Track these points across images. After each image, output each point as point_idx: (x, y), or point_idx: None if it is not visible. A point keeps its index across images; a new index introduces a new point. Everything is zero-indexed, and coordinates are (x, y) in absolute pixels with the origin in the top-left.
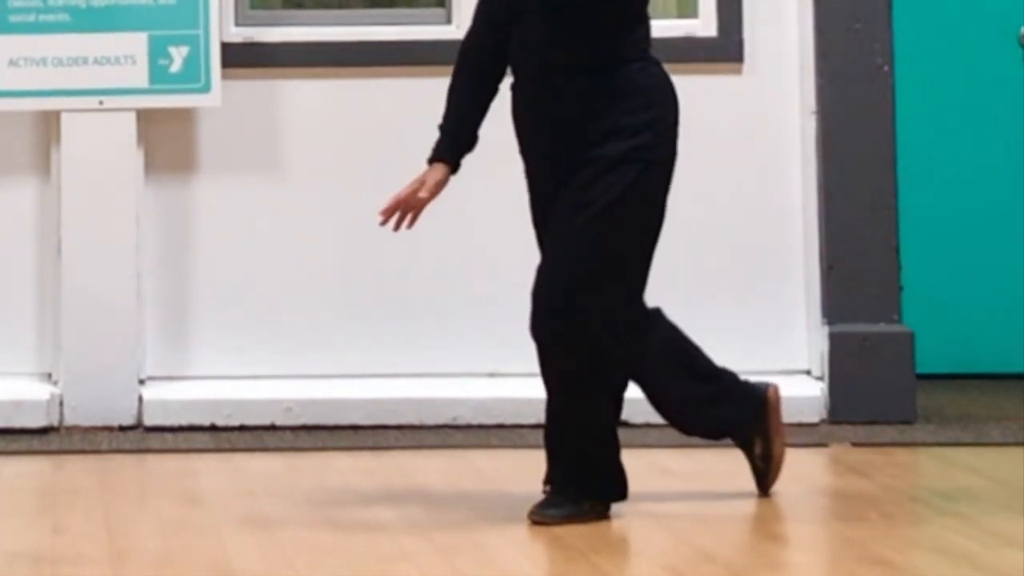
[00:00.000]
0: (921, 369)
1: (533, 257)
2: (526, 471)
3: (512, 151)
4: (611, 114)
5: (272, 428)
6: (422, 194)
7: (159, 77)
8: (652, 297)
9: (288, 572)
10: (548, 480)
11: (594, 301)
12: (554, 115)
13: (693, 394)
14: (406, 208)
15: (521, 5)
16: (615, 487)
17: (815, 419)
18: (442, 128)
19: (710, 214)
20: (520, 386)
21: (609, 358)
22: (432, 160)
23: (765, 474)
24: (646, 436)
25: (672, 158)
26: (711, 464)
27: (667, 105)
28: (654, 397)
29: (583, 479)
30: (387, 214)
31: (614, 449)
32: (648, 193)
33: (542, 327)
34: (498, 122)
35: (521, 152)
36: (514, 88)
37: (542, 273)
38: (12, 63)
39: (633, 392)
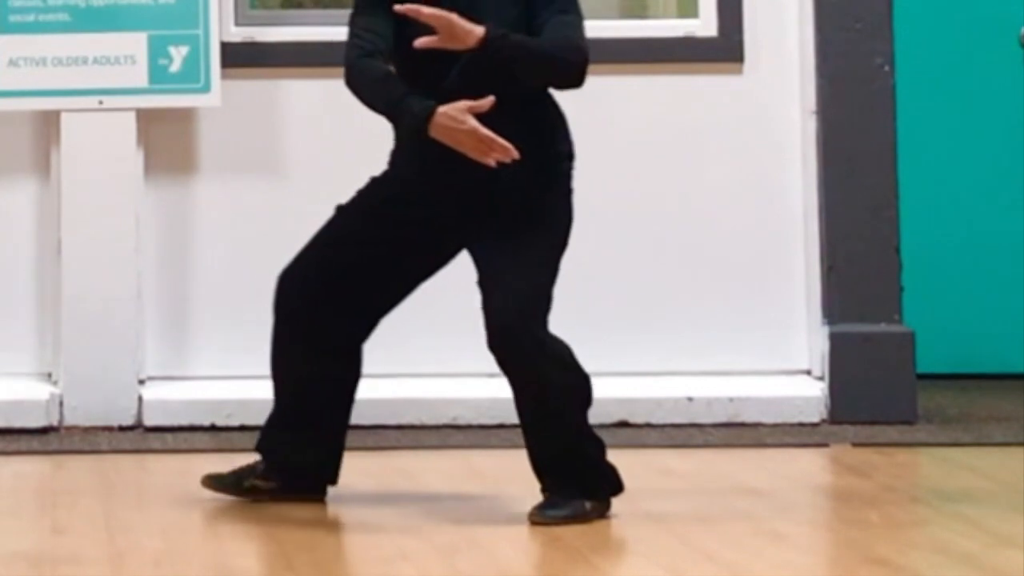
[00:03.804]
0: (921, 369)
1: None
2: (526, 471)
3: None
4: (542, 144)
5: None
6: (473, 120)
7: (159, 77)
8: (654, 297)
9: (288, 572)
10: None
11: (546, 309)
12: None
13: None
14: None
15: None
16: (612, 482)
17: (815, 419)
18: (403, 95)
19: (710, 214)
20: None
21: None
22: (427, 112)
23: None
24: (646, 436)
25: None
26: (711, 464)
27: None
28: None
29: (581, 480)
30: (501, 147)
31: (600, 444)
32: (570, 214)
33: (515, 339)
34: None
35: (401, 176)
36: None
37: (502, 288)
38: (12, 63)
39: (633, 392)
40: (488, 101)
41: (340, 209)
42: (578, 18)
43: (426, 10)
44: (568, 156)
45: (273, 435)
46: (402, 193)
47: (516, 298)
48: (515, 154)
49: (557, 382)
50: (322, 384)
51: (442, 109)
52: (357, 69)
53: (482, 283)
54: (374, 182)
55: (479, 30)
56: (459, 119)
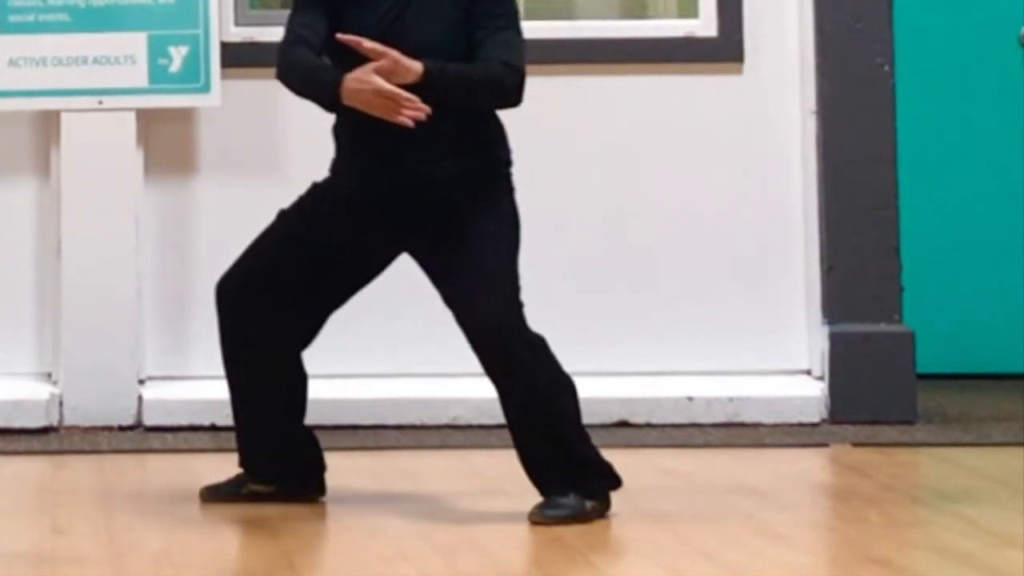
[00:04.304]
0: (921, 369)
1: (532, 257)
2: None
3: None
4: (480, 150)
5: None
6: (377, 79)
7: (159, 77)
8: (654, 298)
9: (288, 572)
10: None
11: (522, 307)
12: (421, 154)
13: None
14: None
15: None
16: (609, 476)
17: (815, 419)
18: (315, 69)
19: (710, 214)
20: None
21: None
22: (336, 80)
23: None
24: (646, 436)
25: None
26: (711, 464)
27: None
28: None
29: (580, 477)
30: (408, 102)
31: (589, 439)
32: (516, 214)
33: (506, 339)
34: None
35: (344, 180)
36: (361, 124)
37: (480, 291)
38: (12, 63)
39: (633, 392)
40: (392, 57)
41: (281, 214)
42: (517, 34)
43: (367, 44)
44: (507, 162)
45: (246, 449)
46: (343, 198)
47: (497, 299)
48: (426, 108)
49: (549, 379)
50: (271, 389)
51: (350, 75)
52: (282, 58)
53: (449, 288)
54: (315, 187)
55: (418, 66)
56: (364, 79)
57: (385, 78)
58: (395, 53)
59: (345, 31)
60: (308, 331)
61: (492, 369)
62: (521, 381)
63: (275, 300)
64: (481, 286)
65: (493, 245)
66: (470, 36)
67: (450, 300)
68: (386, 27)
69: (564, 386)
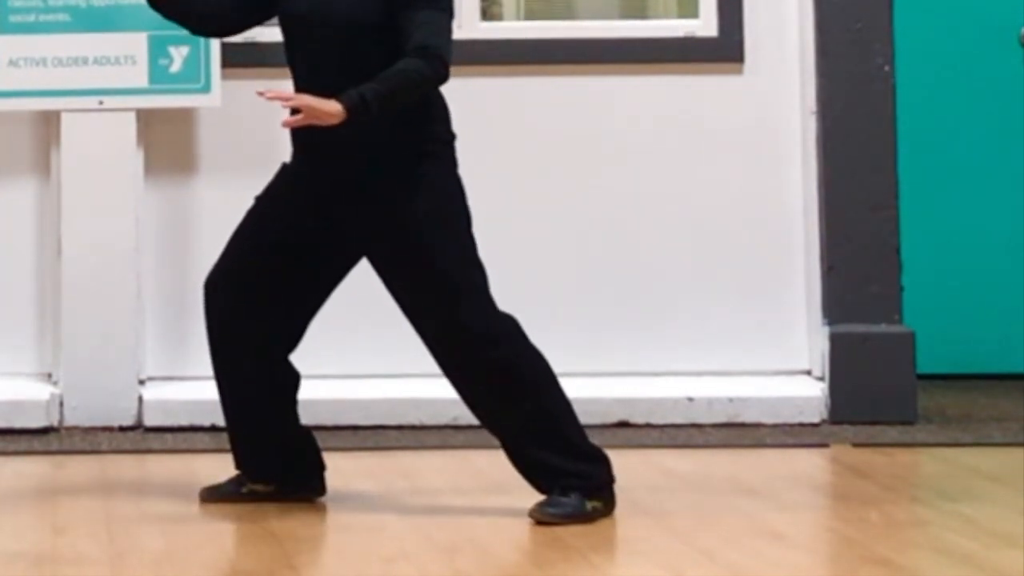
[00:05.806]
0: (921, 369)
1: (531, 256)
2: None
3: (494, 156)
4: (415, 125)
5: None
6: None
7: (159, 77)
8: (654, 297)
9: (288, 572)
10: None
11: (484, 288)
12: (353, 140)
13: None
14: None
15: (303, 30)
16: (606, 463)
17: (815, 419)
18: None
19: (710, 214)
20: None
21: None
22: None
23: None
24: (646, 436)
25: None
26: (711, 464)
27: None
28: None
29: (581, 475)
30: None
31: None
32: (457, 186)
33: (478, 351)
34: (484, 128)
35: (288, 177)
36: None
37: (436, 300)
38: (12, 63)
39: (633, 392)
40: (309, 107)
41: (256, 199)
42: (439, 12)
43: (285, 97)
44: (443, 137)
45: (240, 450)
46: (296, 176)
47: (456, 307)
48: None
49: (534, 370)
50: (260, 388)
51: None
52: None
53: (407, 306)
54: (282, 168)
55: (338, 108)
56: None
57: (310, 121)
58: (311, 100)
59: (280, 11)
60: (293, 329)
61: (461, 379)
62: (500, 378)
63: (257, 293)
64: (438, 299)
65: (443, 247)
66: (393, 14)
67: (411, 318)
68: (312, 4)
69: (548, 372)
